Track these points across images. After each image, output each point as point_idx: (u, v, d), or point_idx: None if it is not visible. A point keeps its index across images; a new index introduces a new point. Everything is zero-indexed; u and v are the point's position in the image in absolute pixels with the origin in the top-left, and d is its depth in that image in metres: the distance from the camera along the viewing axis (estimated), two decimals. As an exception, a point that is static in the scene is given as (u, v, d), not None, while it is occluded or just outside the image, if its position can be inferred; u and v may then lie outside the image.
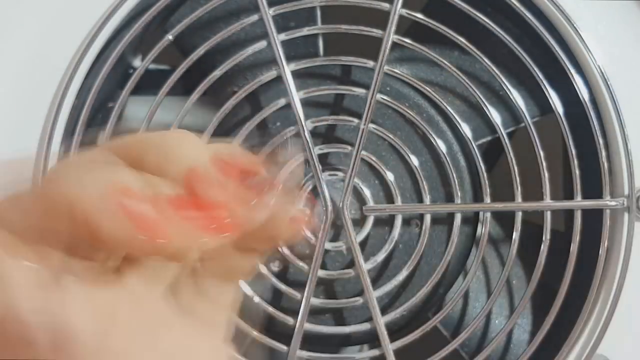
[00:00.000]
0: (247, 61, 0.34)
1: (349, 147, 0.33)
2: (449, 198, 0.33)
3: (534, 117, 0.34)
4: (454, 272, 0.34)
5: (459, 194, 0.33)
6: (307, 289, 0.32)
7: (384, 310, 0.33)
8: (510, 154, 0.32)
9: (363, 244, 0.33)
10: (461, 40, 0.32)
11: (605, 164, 0.32)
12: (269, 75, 0.32)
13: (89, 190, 0.18)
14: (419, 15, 0.32)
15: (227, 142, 0.23)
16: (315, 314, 0.33)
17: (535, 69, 0.32)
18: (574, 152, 0.31)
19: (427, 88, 0.33)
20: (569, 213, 0.32)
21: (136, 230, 0.18)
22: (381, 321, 0.32)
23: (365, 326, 0.33)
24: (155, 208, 0.18)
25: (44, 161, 0.31)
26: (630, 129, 0.31)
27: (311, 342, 0.33)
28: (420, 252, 0.33)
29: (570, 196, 0.32)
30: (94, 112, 0.33)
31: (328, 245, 0.33)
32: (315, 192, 0.32)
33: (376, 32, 0.32)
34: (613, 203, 0.31)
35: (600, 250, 0.32)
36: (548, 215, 0.32)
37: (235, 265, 0.22)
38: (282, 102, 0.33)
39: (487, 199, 0.32)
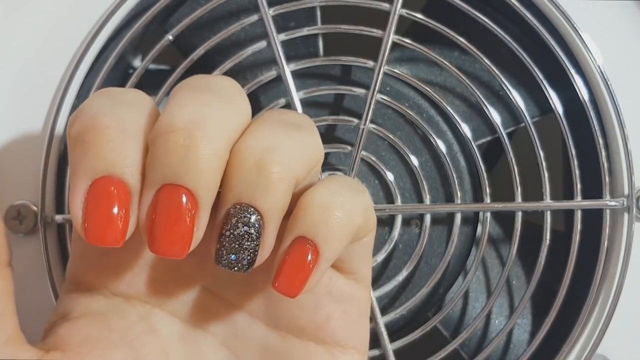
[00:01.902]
0: (247, 61, 0.34)
1: (349, 147, 0.33)
2: (449, 198, 0.33)
3: (534, 117, 0.34)
4: (454, 272, 0.34)
5: (459, 194, 0.33)
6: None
7: (384, 310, 0.33)
8: (510, 154, 0.32)
9: (363, 244, 0.33)
10: (461, 40, 0.32)
11: (605, 164, 0.32)
12: (269, 75, 0.32)
13: None
14: (419, 15, 0.32)
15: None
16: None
17: (535, 69, 0.32)
18: (574, 152, 0.31)
19: (427, 88, 0.33)
20: (569, 213, 0.32)
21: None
22: (381, 321, 0.32)
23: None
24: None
25: (45, 162, 0.31)
26: (630, 129, 0.31)
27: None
28: (420, 252, 0.33)
29: (570, 196, 0.32)
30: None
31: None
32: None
33: (376, 32, 0.32)
34: (613, 203, 0.31)
35: (600, 250, 0.32)
36: (548, 215, 0.32)
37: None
38: (282, 102, 0.33)
39: (487, 199, 0.32)
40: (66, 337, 0.21)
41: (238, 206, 0.19)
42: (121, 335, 0.21)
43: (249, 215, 0.19)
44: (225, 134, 0.19)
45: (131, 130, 0.19)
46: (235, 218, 0.19)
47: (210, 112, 0.19)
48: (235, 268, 0.20)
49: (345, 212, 0.20)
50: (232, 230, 0.19)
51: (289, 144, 0.20)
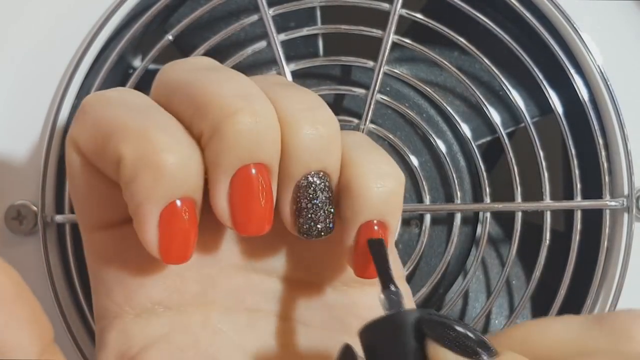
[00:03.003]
0: (247, 61, 0.34)
1: (349, 147, 0.33)
2: (449, 198, 0.33)
3: (534, 117, 0.34)
4: (454, 272, 0.34)
5: (459, 194, 0.33)
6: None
7: (383, 310, 0.33)
8: (510, 154, 0.32)
9: (363, 244, 0.33)
10: (461, 40, 0.32)
11: (605, 164, 0.32)
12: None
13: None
14: (419, 15, 0.32)
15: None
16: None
17: (535, 69, 0.32)
18: (574, 152, 0.31)
19: (427, 88, 0.33)
20: (569, 213, 0.32)
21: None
22: (381, 321, 0.32)
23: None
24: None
25: (45, 162, 0.31)
26: (630, 129, 0.31)
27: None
28: (420, 252, 0.33)
29: (570, 196, 0.32)
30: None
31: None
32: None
33: (376, 32, 0.32)
34: (613, 203, 0.31)
35: (600, 250, 0.32)
36: (548, 215, 0.32)
37: None
38: (282, 102, 0.33)
39: (487, 199, 0.32)
40: None
41: (309, 175, 0.19)
42: (193, 349, 0.21)
43: (321, 181, 0.19)
44: (268, 103, 0.19)
45: (177, 134, 0.19)
46: (312, 187, 0.19)
47: (243, 86, 0.19)
48: (323, 234, 0.20)
49: (394, 178, 0.20)
50: (312, 201, 0.19)
51: (314, 101, 0.20)
